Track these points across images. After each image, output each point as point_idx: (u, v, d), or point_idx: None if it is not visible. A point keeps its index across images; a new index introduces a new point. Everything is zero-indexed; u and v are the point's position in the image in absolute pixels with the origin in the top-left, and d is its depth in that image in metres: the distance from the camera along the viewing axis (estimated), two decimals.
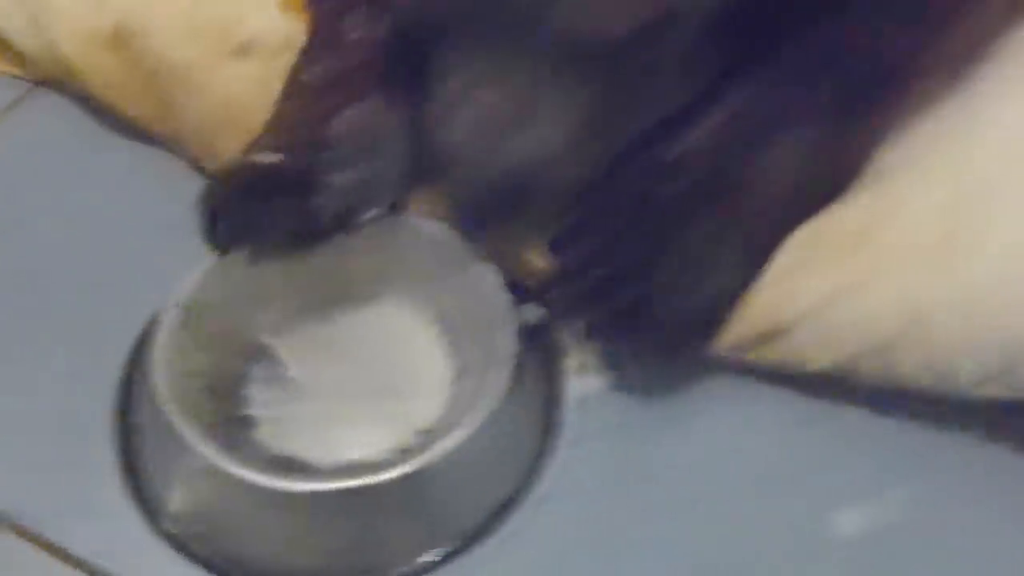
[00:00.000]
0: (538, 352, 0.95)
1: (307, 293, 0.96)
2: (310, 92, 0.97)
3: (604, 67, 0.86)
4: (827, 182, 0.92)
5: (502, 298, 0.92)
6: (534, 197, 0.89)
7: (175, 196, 0.99)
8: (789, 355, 0.91)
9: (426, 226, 0.96)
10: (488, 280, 0.93)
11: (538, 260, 0.94)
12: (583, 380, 0.95)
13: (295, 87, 0.98)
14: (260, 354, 0.95)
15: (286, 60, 1.00)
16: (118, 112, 1.09)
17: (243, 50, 1.03)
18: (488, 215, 0.90)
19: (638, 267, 0.89)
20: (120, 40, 1.06)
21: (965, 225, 0.89)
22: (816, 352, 0.91)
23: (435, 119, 0.89)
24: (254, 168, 0.94)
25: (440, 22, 0.87)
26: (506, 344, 0.90)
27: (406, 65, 0.92)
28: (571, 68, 0.86)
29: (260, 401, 0.94)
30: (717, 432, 0.93)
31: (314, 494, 0.86)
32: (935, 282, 0.89)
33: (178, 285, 0.93)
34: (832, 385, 0.92)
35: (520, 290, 0.94)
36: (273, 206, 0.92)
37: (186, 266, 0.94)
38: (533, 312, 0.95)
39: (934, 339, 0.88)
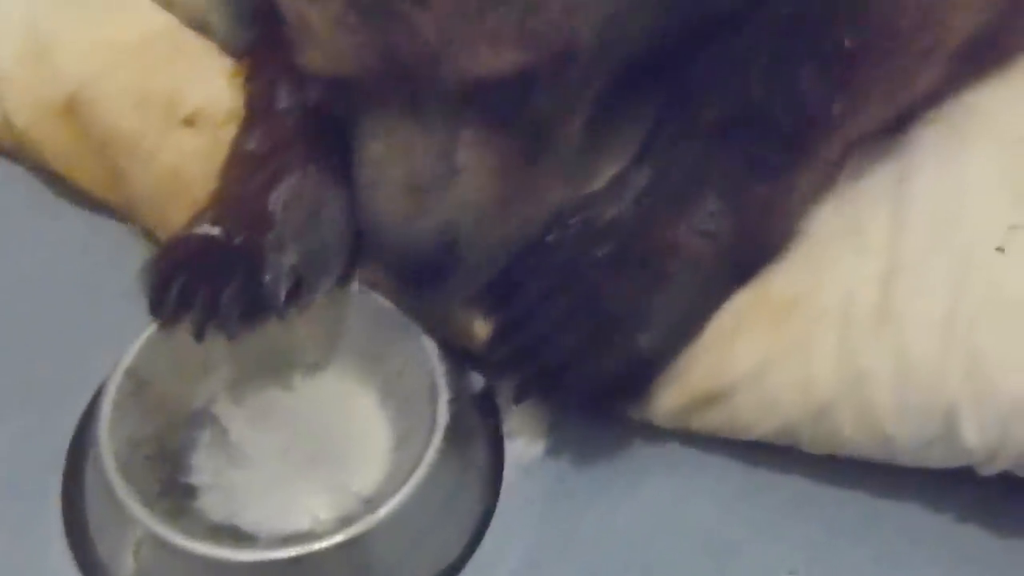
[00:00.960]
0: (480, 417, 0.94)
1: (251, 361, 0.95)
2: (249, 163, 0.96)
3: (509, 115, 0.86)
4: (757, 246, 0.91)
5: (441, 366, 0.91)
6: (464, 259, 0.87)
7: (126, 264, 0.97)
8: (730, 421, 0.91)
9: (369, 296, 0.95)
10: (428, 349, 0.92)
11: (480, 328, 0.93)
12: (525, 444, 0.94)
13: (235, 158, 0.97)
14: (205, 421, 0.94)
15: (231, 131, 0.99)
16: (71, 181, 1.08)
17: (190, 121, 1.03)
18: (419, 280, 0.89)
19: (566, 328, 0.88)
20: (72, 110, 1.06)
21: (901, 293, 0.89)
22: (757, 418, 0.90)
23: (361, 187, 0.89)
24: (197, 241, 0.93)
25: (350, 85, 0.86)
26: (445, 411, 0.89)
27: (335, 133, 0.91)
28: (482, 119, 0.85)
29: (204, 468, 0.93)
30: (660, 499, 0.92)
31: (257, 564, 0.85)
32: (872, 348, 0.88)
33: (125, 353, 0.92)
34: (775, 453, 0.92)
35: (463, 357, 0.94)
36: (222, 287, 0.90)
37: (136, 334, 0.93)
38: (475, 379, 0.95)
39: (873, 404, 0.87)
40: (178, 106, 1.04)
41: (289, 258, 0.91)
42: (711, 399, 0.90)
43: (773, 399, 0.89)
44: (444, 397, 0.89)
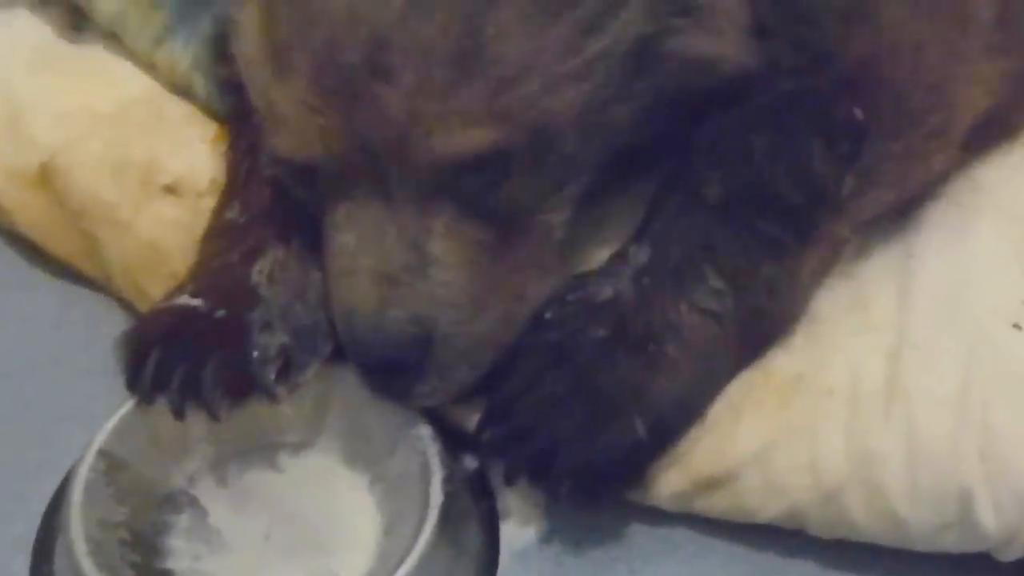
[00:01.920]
0: (474, 499, 0.87)
1: (233, 440, 0.88)
2: (229, 233, 0.90)
3: (484, 200, 0.81)
4: (761, 326, 0.86)
5: (434, 445, 0.85)
6: (437, 358, 0.82)
7: (102, 338, 0.91)
8: (735, 505, 0.85)
9: (356, 372, 0.87)
10: (420, 427, 0.86)
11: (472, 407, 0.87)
12: (520, 529, 0.88)
13: (215, 228, 0.92)
14: (182, 504, 0.87)
15: (213, 200, 0.95)
16: (46, 250, 1.04)
17: (170, 189, 0.98)
18: (390, 378, 0.83)
19: (559, 410, 0.82)
20: (46, 178, 1.01)
21: (909, 370, 0.85)
22: (763, 501, 0.84)
23: (331, 277, 0.84)
24: (176, 313, 0.87)
25: (318, 170, 0.81)
26: (438, 491, 0.83)
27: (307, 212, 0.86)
28: (455, 205, 0.80)
29: (182, 553, 0.86)
30: None
31: None
32: (881, 428, 0.84)
33: (98, 431, 0.85)
34: (783, 537, 0.86)
35: (455, 436, 0.87)
36: (204, 362, 0.84)
37: (110, 410, 0.86)
38: (468, 459, 0.88)
39: (884, 487, 0.82)
40: (157, 174, 1.00)
41: (278, 337, 0.86)
42: (714, 482, 0.85)
43: (779, 482, 0.84)
44: (438, 477, 0.83)
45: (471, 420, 0.87)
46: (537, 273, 0.85)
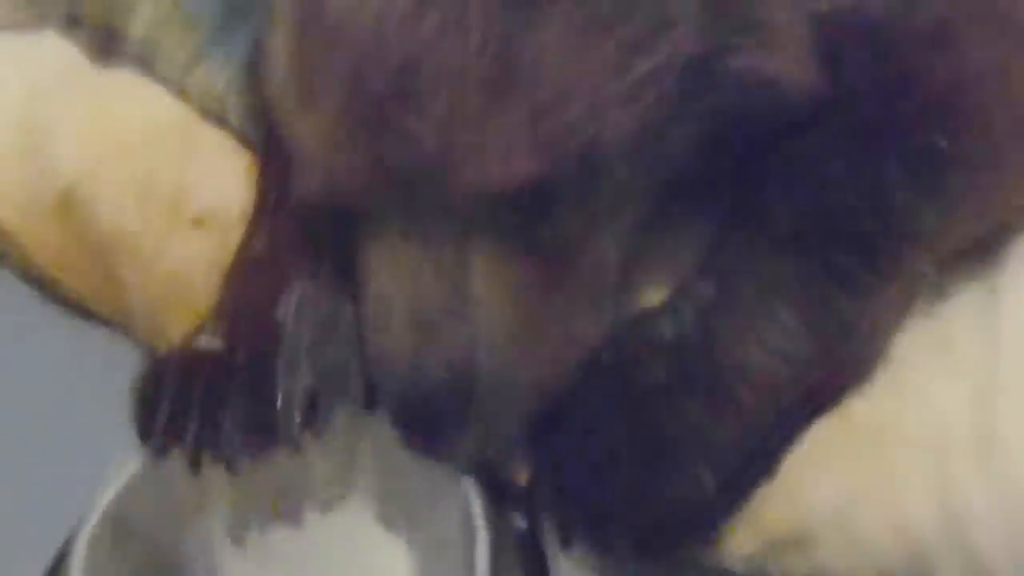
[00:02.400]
0: (523, 565, 0.78)
1: (254, 497, 0.80)
2: (254, 267, 0.83)
3: (528, 235, 0.73)
4: (838, 369, 0.78)
5: (479, 505, 0.76)
6: (480, 409, 0.74)
7: (114, 384, 0.82)
8: (814, 567, 0.76)
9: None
10: (463, 484, 0.77)
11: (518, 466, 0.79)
12: None
13: (240, 263, 0.84)
14: (197, 567, 0.79)
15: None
16: (59, 286, 0.96)
17: (198, 221, 0.90)
18: (429, 432, 0.75)
19: (619, 463, 0.74)
20: (65, 207, 0.93)
21: (1003, 417, 0.76)
22: (845, 563, 0.76)
23: (365, 323, 0.76)
24: (193, 356, 0.79)
25: (349, 208, 0.75)
26: (484, 556, 0.74)
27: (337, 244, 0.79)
28: (496, 241, 0.73)
29: None
30: None
31: None
32: (974, 482, 0.75)
33: (104, 488, 0.77)
34: None
35: (502, 493, 0.79)
36: (223, 409, 0.77)
37: (120, 466, 0.78)
38: (518, 520, 0.80)
39: (979, 549, 0.74)
40: (186, 205, 0.91)
41: (303, 378, 0.78)
42: (790, 543, 0.76)
43: (863, 542, 0.75)
44: (483, 538, 0.74)
45: (520, 474, 0.78)
46: (589, 313, 0.77)
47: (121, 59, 1.02)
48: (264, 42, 0.80)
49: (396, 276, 0.74)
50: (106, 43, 1.03)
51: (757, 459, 0.76)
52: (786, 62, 0.75)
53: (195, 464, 0.76)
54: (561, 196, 0.72)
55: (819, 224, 0.76)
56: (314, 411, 0.78)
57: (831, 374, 0.77)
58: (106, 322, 0.94)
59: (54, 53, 1.03)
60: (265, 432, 0.77)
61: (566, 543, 0.76)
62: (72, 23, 1.04)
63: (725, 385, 0.75)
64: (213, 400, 0.77)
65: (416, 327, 0.73)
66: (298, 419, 0.77)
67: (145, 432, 0.77)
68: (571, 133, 0.70)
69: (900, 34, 0.78)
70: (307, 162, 0.75)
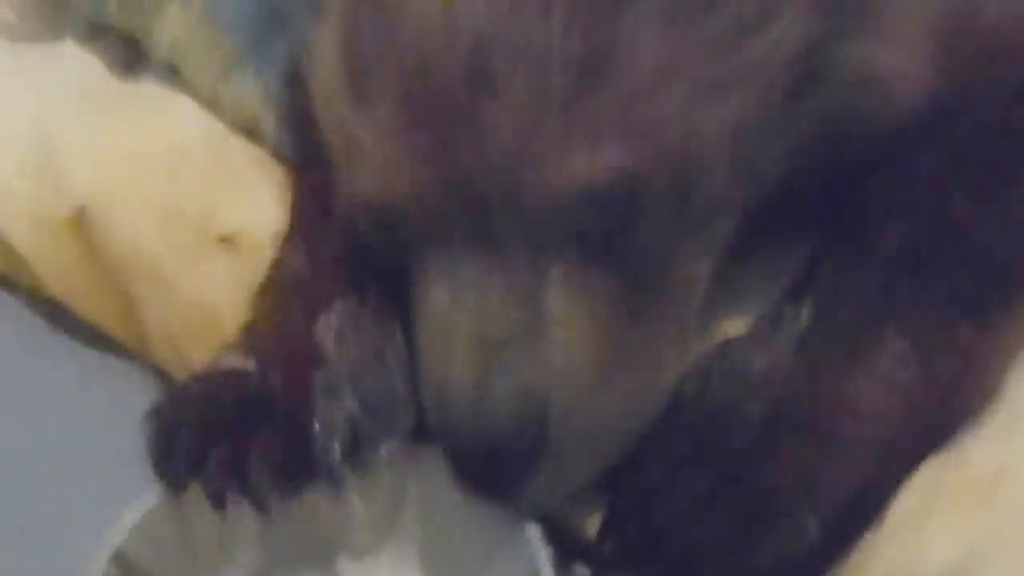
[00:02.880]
0: None
1: (283, 545, 0.69)
2: (291, 284, 0.73)
3: (613, 245, 0.63)
4: (955, 402, 0.67)
5: (545, 556, 0.65)
6: (553, 443, 0.63)
7: (129, 416, 0.71)
8: None
9: (443, 464, 0.67)
10: (527, 531, 0.66)
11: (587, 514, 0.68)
12: None
13: (274, 279, 0.74)
14: None
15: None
16: (73, 311, 0.87)
17: (227, 240, 0.81)
18: (493, 472, 0.64)
19: (707, 510, 0.64)
20: (80, 226, 0.84)
21: None
22: None
23: (421, 347, 0.66)
24: (220, 379, 0.69)
25: (406, 215, 0.64)
26: None
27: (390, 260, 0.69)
28: (577, 252, 0.62)
29: None
30: None
31: None
32: None
33: (114, 529, 0.67)
34: None
35: (565, 545, 0.68)
36: (252, 440, 0.67)
37: (129, 503, 0.68)
38: (583, 573, 0.69)
39: None
40: (213, 224, 0.82)
41: (345, 406, 0.67)
42: None
43: None
44: None
45: (588, 523, 0.68)
46: (676, 339, 0.67)
47: (146, 70, 0.95)
48: (308, 43, 0.71)
49: (459, 293, 0.63)
50: (130, 53, 0.96)
51: (864, 504, 0.65)
52: (900, 58, 0.66)
53: (219, 502, 0.66)
54: (651, 200, 0.62)
55: (941, 244, 0.66)
56: (356, 445, 0.67)
57: (947, 406, 0.67)
58: (120, 348, 0.85)
59: (72, 66, 0.94)
60: (300, 467, 0.66)
61: None
62: (93, 33, 0.97)
63: (830, 419, 0.65)
64: (241, 428, 0.66)
65: (482, 350, 0.62)
66: (338, 453, 0.66)
67: (162, 465, 0.67)
68: (667, 123, 0.61)
69: (1020, 37, 0.69)
70: (360, 163, 0.65)
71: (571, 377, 0.63)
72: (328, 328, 0.69)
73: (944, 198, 0.67)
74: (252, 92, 0.87)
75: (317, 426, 0.66)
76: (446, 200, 0.62)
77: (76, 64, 0.94)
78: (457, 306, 0.63)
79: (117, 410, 0.79)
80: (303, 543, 0.70)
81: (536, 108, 0.60)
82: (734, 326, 0.71)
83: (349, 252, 0.72)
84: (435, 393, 0.64)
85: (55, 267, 0.85)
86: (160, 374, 0.82)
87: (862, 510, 0.65)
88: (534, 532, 0.66)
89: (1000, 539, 0.65)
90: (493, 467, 0.63)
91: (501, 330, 0.62)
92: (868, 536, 0.66)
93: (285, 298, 0.72)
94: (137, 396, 0.79)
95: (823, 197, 0.69)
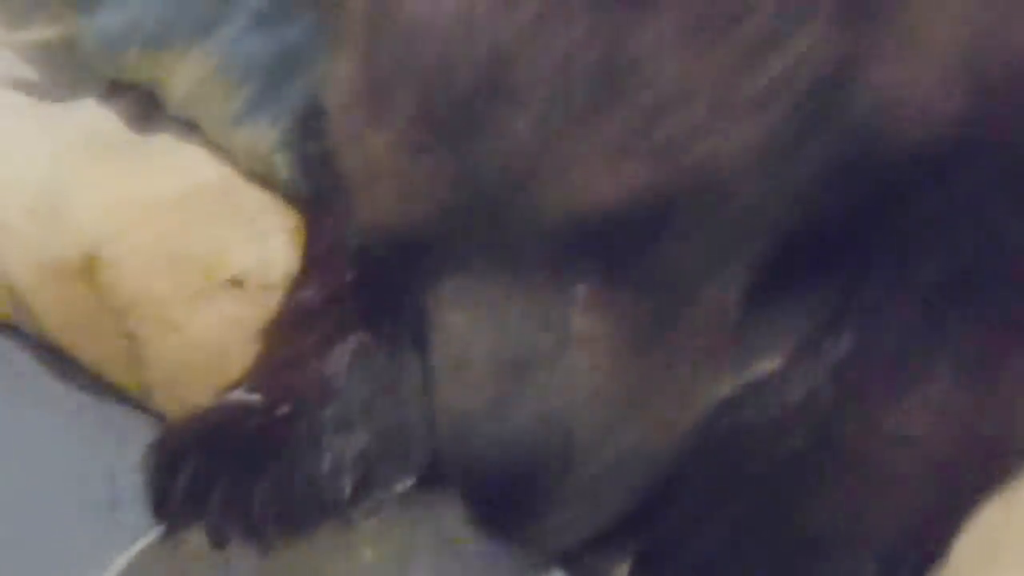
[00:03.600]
0: None
1: None
2: (303, 317, 0.69)
3: (637, 265, 0.59)
4: (1008, 436, 0.62)
5: None
6: (576, 474, 0.58)
7: (130, 465, 0.66)
8: None
9: (457, 507, 0.61)
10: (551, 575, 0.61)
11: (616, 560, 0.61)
12: None
13: (285, 314, 0.70)
14: None
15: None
16: (75, 356, 0.83)
17: (235, 284, 0.77)
18: (511, 506, 0.59)
19: (748, 550, 0.58)
20: (88, 271, 0.81)
21: None
22: None
23: (436, 374, 0.61)
24: (224, 412, 0.65)
25: (421, 239, 0.60)
26: None
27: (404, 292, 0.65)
28: (600, 272, 0.58)
29: None
30: None
31: None
32: None
33: (108, 568, 0.61)
34: None
35: None
36: (256, 474, 0.62)
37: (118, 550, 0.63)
38: None
39: None
40: (222, 266, 0.79)
41: (357, 439, 0.63)
42: None
43: None
44: None
45: (616, 572, 0.61)
46: (706, 367, 0.62)
47: (161, 123, 0.92)
48: (325, 76, 0.68)
49: (477, 314, 0.59)
50: (147, 108, 0.93)
51: (926, 543, 0.59)
52: (930, 81, 0.61)
53: (219, 540, 0.61)
54: (677, 218, 0.58)
55: (988, 268, 0.62)
56: (367, 482, 0.62)
57: (1005, 436, 0.61)
58: (121, 393, 0.81)
59: (87, 117, 0.92)
60: (306, 503, 0.61)
61: None
62: (113, 91, 0.94)
63: (882, 449, 0.59)
64: (245, 464, 0.62)
65: (501, 373, 0.57)
66: (348, 489, 0.61)
67: (161, 500, 0.62)
68: (691, 139, 0.57)
69: None
70: (378, 185, 0.61)
71: (596, 403, 0.58)
72: (340, 362, 0.65)
73: (989, 221, 0.62)
74: (266, 139, 0.84)
75: (326, 461, 0.61)
76: (465, 218, 0.58)
77: (91, 116, 0.92)
78: (475, 330, 0.59)
79: (116, 458, 0.75)
80: None
81: (558, 121, 0.56)
82: (769, 364, 0.66)
83: (362, 286, 0.68)
84: (451, 422, 0.59)
85: (60, 313, 0.82)
86: (161, 422, 0.77)
87: (923, 550, 0.59)
88: None
89: None
90: (513, 500, 0.58)
91: (522, 353, 0.57)
92: None
93: (295, 332, 0.68)
94: (137, 445, 0.75)
95: (857, 226, 0.65)
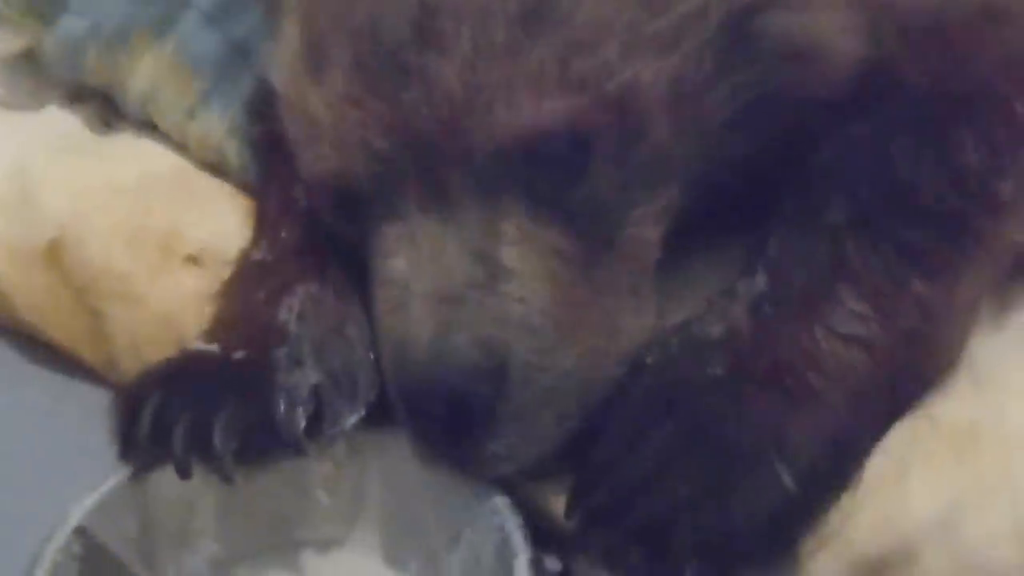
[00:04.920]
0: None
1: (246, 532, 0.65)
2: (255, 274, 0.71)
3: (563, 195, 0.61)
4: (920, 358, 0.64)
5: (515, 522, 0.61)
6: (513, 398, 0.60)
7: (95, 432, 0.67)
8: None
9: (404, 447, 0.64)
10: (494, 501, 0.62)
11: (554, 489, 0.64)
12: None
13: (239, 273, 0.72)
14: None
15: None
16: (42, 339, 0.83)
17: (192, 260, 0.79)
18: (452, 431, 0.61)
19: (675, 470, 0.60)
20: (54, 254, 0.82)
21: None
22: None
23: (379, 314, 0.64)
24: (184, 359, 0.66)
25: (361, 188, 0.63)
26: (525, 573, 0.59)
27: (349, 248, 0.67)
28: (528, 205, 0.61)
29: None
30: None
31: None
32: None
33: (75, 506, 0.62)
34: None
35: (538, 537, 0.63)
36: (216, 411, 0.63)
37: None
38: (552, 563, 0.64)
39: None
40: (179, 243, 0.80)
41: (310, 376, 0.64)
42: (885, 564, 0.60)
43: (974, 557, 0.59)
44: (523, 559, 0.59)
45: (554, 503, 0.63)
46: (631, 302, 0.64)
47: (120, 126, 0.93)
48: (269, 55, 0.70)
49: (415, 253, 0.61)
50: (105, 114, 0.95)
51: (839, 458, 0.61)
52: (833, 27, 0.65)
53: (183, 471, 0.62)
54: (597, 152, 0.61)
55: (887, 202, 0.64)
56: (319, 416, 0.64)
57: (912, 360, 0.64)
58: (87, 369, 0.81)
59: (51, 122, 0.93)
60: (264, 437, 0.62)
61: (614, 570, 0.60)
62: (74, 98, 0.96)
63: (793, 373, 0.61)
64: (205, 401, 0.63)
65: (439, 306, 0.60)
66: (302, 422, 0.63)
67: (127, 438, 0.63)
68: (605, 75, 0.60)
69: (949, 14, 0.67)
70: (318, 141, 0.63)
71: (529, 332, 0.60)
72: (290, 310, 0.67)
73: (887, 161, 0.65)
74: (218, 128, 0.86)
75: (281, 397, 0.63)
76: (399, 165, 0.61)
77: (54, 119, 0.94)
78: (414, 270, 0.61)
79: (84, 426, 0.76)
80: (265, 535, 0.66)
81: (481, 61, 0.59)
82: (693, 310, 0.67)
83: (310, 242, 0.70)
84: (394, 353, 0.61)
85: (29, 294, 0.83)
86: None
87: (837, 464, 0.61)
88: (503, 501, 0.62)
89: (982, 490, 0.61)
90: (453, 428, 0.60)
91: (457, 286, 0.60)
92: (847, 495, 0.61)
93: (249, 288, 0.69)
94: (102, 415, 0.75)
95: (767, 176, 0.67)
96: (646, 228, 0.64)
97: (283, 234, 0.71)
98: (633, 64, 0.60)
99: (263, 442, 0.63)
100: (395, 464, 0.65)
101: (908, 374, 0.63)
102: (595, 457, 0.62)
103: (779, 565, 0.60)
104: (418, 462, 0.63)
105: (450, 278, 0.60)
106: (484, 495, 0.62)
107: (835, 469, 0.61)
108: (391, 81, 0.60)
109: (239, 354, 0.65)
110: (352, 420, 0.64)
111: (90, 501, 0.62)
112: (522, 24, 0.59)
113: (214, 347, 0.65)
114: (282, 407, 0.62)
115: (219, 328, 0.68)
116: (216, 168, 0.87)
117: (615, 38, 0.60)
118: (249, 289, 0.69)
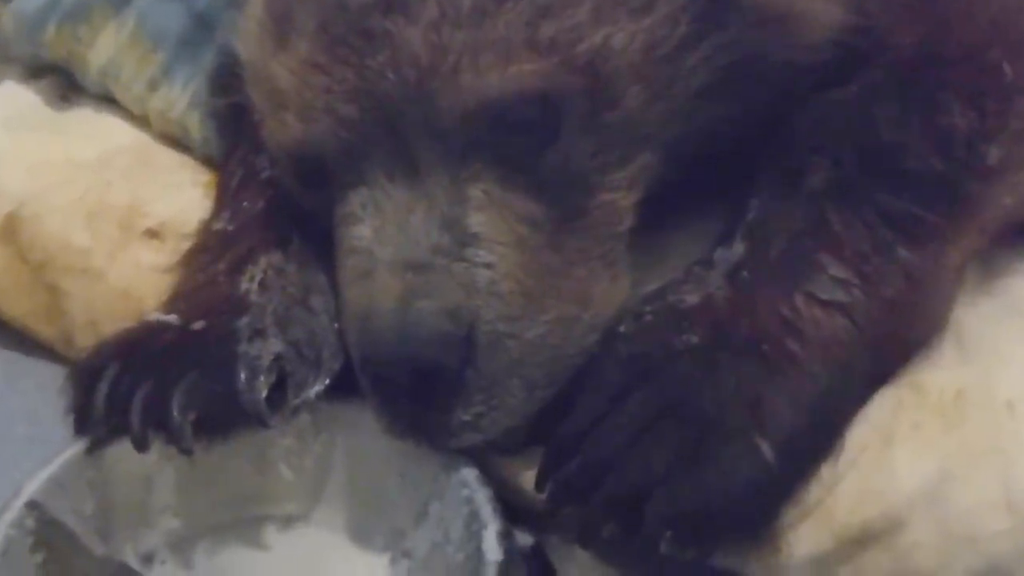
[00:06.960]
0: None
1: (207, 507, 0.61)
2: (216, 244, 0.66)
3: (531, 161, 0.57)
4: (903, 324, 0.60)
5: (484, 494, 0.57)
6: (483, 364, 0.56)
7: (50, 408, 0.62)
8: (900, 568, 0.56)
9: (369, 419, 0.59)
10: (462, 473, 0.58)
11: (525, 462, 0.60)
12: None
13: (199, 243, 0.68)
14: None
15: None
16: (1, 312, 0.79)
17: (152, 234, 0.75)
18: (417, 403, 0.57)
19: (651, 437, 0.56)
20: (10, 230, 0.78)
21: None
22: (941, 557, 0.56)
23: (345, 284, 0.60)
24: (141, 330, 0.61)
25: (326, 156, 0.59)
26: (493, 551, 0.54)
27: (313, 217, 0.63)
28: (497, 170, 0.57)
29: None
30: None
31: None
32: None
33: (28, 479, 0.57)
34: None
35: (510, 510, 0.59)
36: (174, 381, 0.58)
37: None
38: (523, 538, 0.61)
39: None
40: (139, 218, 0.76)
41: (272, 345, 0.60)
42: (869, 536, 0.56)
43: (962, 527, 0.56)
44: (492, 530, 0.55)
45: (524, 476, 0.59)
46: (603, 271, 0.60)
47: (79, 101, 0.89)
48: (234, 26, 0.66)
49: (381, 221, 0.57)
50: (63, 90, 0.90)
51: (821, 427, 0.57)
52: None
53: (141, 443, 0.57)
54: (567, 118, 0.57)
55: (871, 167, 0.60)
56: (282, 386, 0.59)
57: (895, 327, 0.60)
58: (43, 346, 0.77)
59: (8, 98, 0.89)
60: (224, 408, 0.58)
61: (586, 543, 0.56)
62: (33, 74, 0.91)
63: (772, 340, 0.57)
64: (163, 372, 0.58)
65: (405, 274, 0.55)
66: (263, 392, 0.58)
67: (83, 411, 0.59)
68: (575, 39, 0.56)
69: None
70: (284, 109, 0.59)
71: (497, 298, 0.56)
72: (252, 280, 0.62)
73: (871, 124, 0.61)
74: (179, 101, 0.81)
75: (241, 368, 0.58)
76: (364, 132, 0.57)
77: (10, 95, 0.89)
78: (380, 237, 0.57)
79: (39, 401, 0.72)
80: (226, 511, 0.61)
81: (448, 26, 0.55)
82: (669, 280, 0.64)
83: (273, 211, 0.66)
84: (360, 324, 0.57)
85: None
86: None
87: (818, 433, 0.57)
88: (471, 473, 0.58)
89: (970, 457, 0.57)
90: (420, 397, 0.56)
91: (424, 253, 0.56)
92: (830, 465, 0.57)
93: (210, 258, 0.65)
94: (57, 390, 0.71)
95: (745, 145, 0.63)
96: (619, 194, 0.60)
97: (245, 204, 0.67)
98: (605, 27, 0.56)
99: (224, 414, 0.58)
100: (360, 438, 0.60)
101: (892, 341, 0.60)
102: (566, 428, 0.57)
103: (761, 529, 0.56)
104: (384, 435, 0.58)
105: (416, 245, 0.56)
106: (452, 467, 0.58)
107: (816, 439, 0.57)
108: (357, 47, 0.56)
109: (199, 324, 0.60)
110: (316, 390, 0.60)
111: (44, 474, 0.57)
112: None
113: (173, 318, 0.61)
114: (243, 377, 0.58)
115: (178, 298, 0.63)
116: (177, 141, 0.82)
117: (586, 2, 0.56)
118: (210, 259, 0.65)
